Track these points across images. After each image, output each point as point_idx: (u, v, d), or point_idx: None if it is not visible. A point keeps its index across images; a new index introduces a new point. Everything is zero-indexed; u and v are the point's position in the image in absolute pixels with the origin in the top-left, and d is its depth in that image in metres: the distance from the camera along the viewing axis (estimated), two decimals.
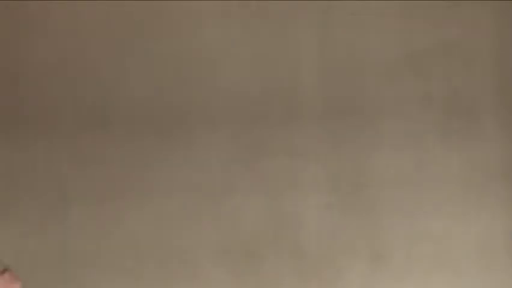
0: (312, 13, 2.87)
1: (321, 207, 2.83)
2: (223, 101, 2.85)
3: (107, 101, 2.83)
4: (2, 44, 2.84)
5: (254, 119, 2.85)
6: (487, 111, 2.87)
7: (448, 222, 2.81)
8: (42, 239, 2.77)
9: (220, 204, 2.82)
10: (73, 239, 2.78)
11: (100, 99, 2.83)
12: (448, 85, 2.87)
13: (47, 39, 2.85)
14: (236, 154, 2.84)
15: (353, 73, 2.87)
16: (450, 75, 2.88)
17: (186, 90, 2.83)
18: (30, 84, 2.83)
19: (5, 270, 1.75)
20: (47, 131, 2.81)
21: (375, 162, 2.84)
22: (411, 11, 2.89)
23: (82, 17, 2.86)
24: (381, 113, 2.86)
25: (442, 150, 2.84)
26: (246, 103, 2.85)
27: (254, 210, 2.83)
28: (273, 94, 2.86)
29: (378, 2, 2.87)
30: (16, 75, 2.83)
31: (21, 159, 2.81)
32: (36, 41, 2.84)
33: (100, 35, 2.85)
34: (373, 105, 2.86)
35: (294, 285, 2.81)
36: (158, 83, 2.85)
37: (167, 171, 2.80)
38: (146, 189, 2.75)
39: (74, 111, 2.83)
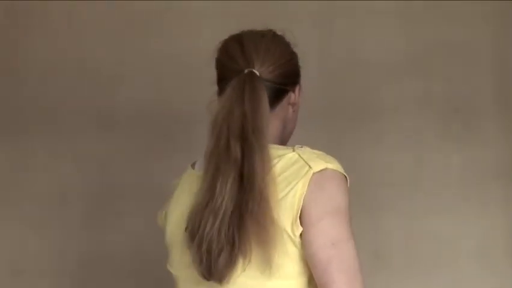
0: (312, 13, 2.87)
1: None
2: None
3: (107, 101, 2.83)
4: (2, 44, 2.84)
5: None
6: (487, 111, 2.86)
7: (448, 222, 2.80)
8: (43, 239, 2.77)
9: None
10: (73, 239, 2.78)
11: (100, 99, 2.83)
12: (448, 85, 2.87)
13: (47, 39, 2.85)
14: None
15: (353, 73, 2.87)
16: (450, 75, 2.88)
17: (186, 90, 2.82)
18: (30, 84, 2.83)
19: None
20: (47, 131, 2.81)
21: (375, 162, 2.83)
22: (411, 11, 2.89)
23: (82, 17, 2.86)
24: (381, 113, 2.85)
25: (442, 150, 2.84)
26: None
27: None
28: None
29: (378, 2, 2.87)
30: (16, 75, 2.83)
31: (21, 159, 2.81)
32: (36, 41, 2.84)
33: (100, 35, 2.85)
34: (373, 105, 2.86)
35: None
36: (158, 83, 2.85)
37: (168, 171, 2.79)
38: (146, 189, 2.75)
39: (74, 111, 2.83)
